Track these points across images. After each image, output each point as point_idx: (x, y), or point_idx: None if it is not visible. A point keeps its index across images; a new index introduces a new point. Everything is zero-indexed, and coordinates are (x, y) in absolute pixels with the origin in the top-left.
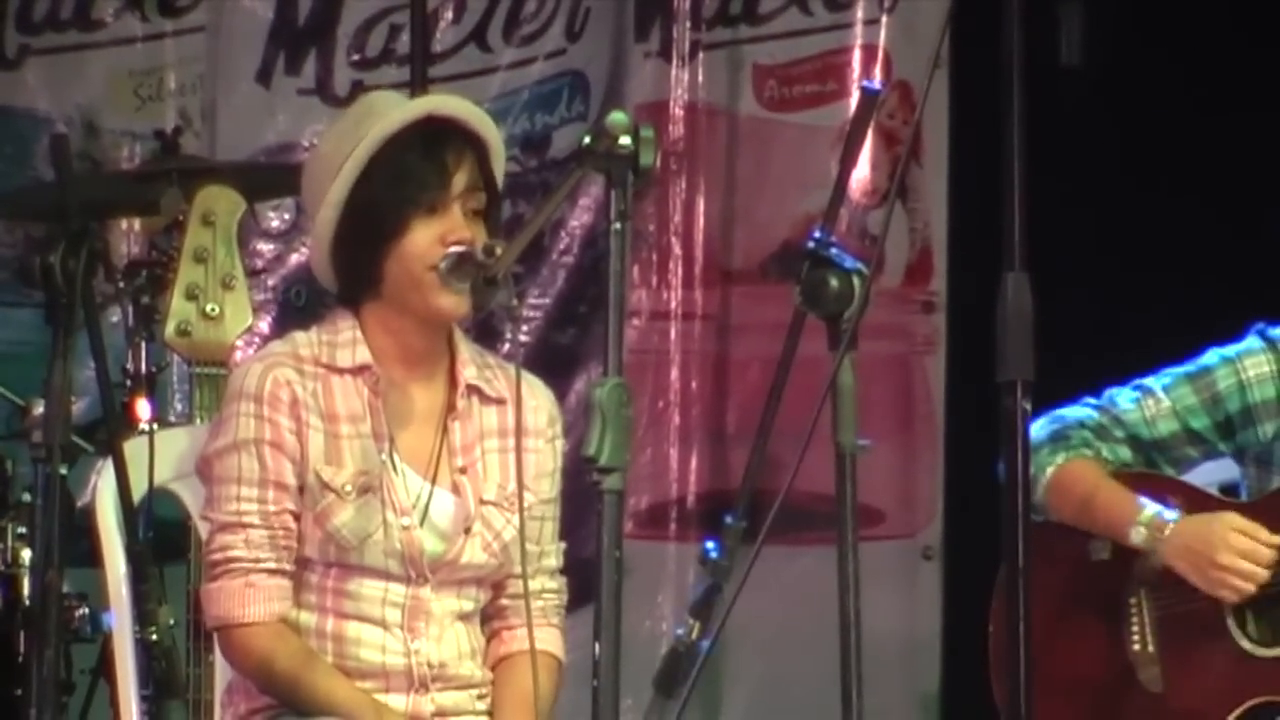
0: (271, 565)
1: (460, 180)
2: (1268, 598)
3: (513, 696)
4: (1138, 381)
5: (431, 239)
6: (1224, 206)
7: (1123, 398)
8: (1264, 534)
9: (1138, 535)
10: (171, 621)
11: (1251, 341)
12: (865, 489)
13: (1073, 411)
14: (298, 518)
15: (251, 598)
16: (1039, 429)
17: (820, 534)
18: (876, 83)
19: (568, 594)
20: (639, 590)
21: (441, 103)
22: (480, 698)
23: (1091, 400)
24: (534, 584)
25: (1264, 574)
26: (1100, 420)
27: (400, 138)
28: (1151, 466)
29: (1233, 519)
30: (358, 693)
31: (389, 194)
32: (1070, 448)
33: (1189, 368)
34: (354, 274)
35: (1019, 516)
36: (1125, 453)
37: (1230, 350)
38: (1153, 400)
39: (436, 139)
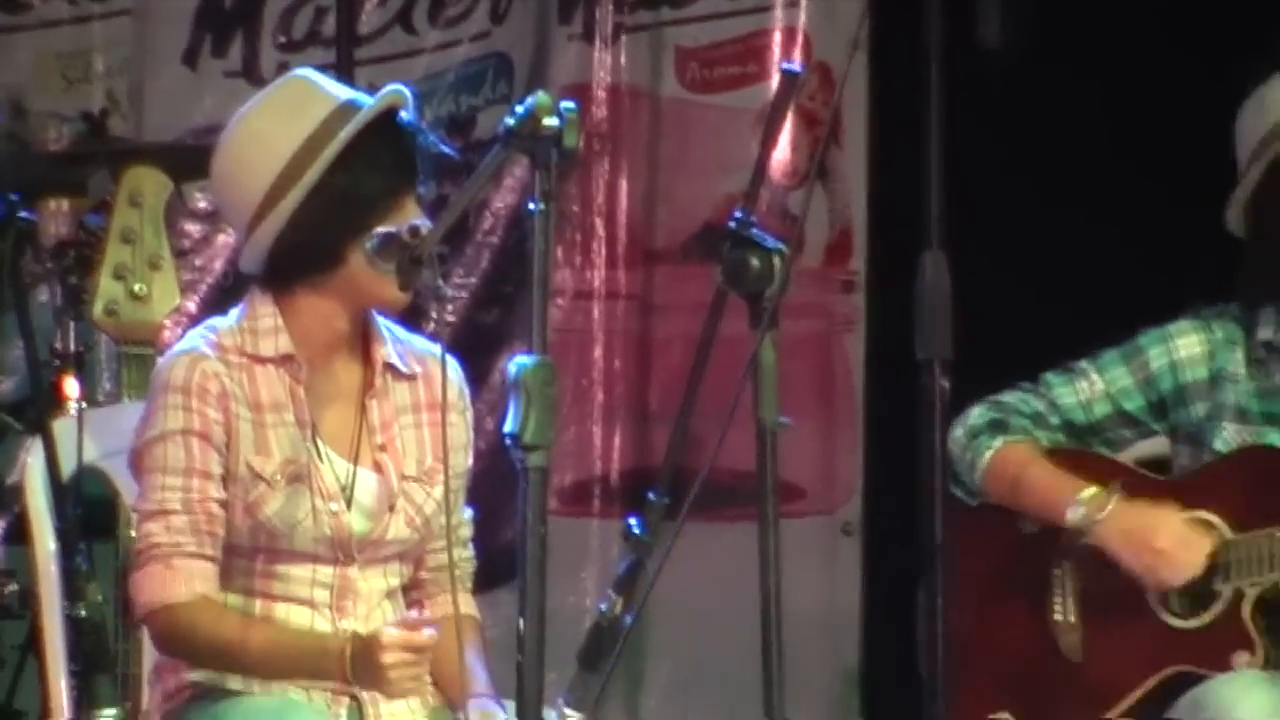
0: (192, 549)
1: (420, 174)
2: None
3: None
4: (1071, 364)
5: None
6: (1147, 186)
7: (1058, 382)
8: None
9: (1075, 514)
10: (100, 598)
11: (1185, 321)
12: (786, 466)
13: (1010, 398)
14: (224, 505)
15: (171, 579)
16: (978, 416)
17: (742, 510)
18: (797, 65)
19: (493, 571)
20: (563, 566)
21: (400, 97)
22: None
23: (1027, 385)
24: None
25: (1199, 564)
26: (1037, 407)
27: (371, 126)
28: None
29: (1175, 513)
30: (291, 633)
31: (371, 182)
32: (1009, 432)
33: (1123, 347)
34: (308, 257)
35: (936, 492)
36: (1061, 439)
37: (1163, 330)
38: (1086, 383)
39: (403, 131)
